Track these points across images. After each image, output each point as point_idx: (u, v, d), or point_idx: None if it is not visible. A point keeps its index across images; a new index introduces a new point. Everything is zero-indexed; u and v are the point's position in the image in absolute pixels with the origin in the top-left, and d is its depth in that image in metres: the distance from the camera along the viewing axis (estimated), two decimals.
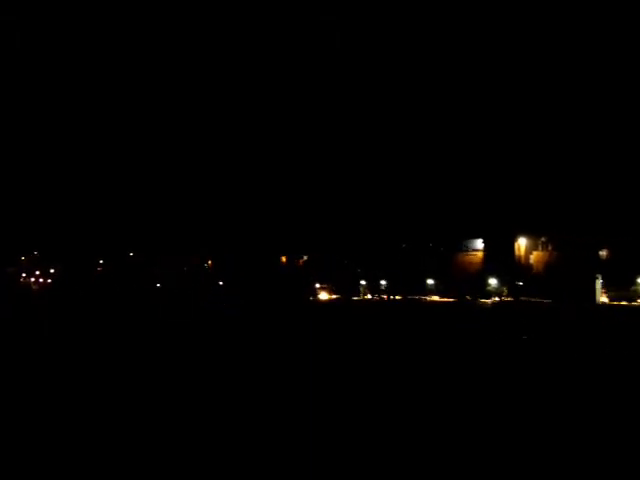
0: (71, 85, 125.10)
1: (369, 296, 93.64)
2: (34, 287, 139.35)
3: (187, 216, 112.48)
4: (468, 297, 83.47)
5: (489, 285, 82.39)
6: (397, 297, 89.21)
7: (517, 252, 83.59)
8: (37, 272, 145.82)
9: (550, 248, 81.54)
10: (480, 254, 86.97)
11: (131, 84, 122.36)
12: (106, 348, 36.62)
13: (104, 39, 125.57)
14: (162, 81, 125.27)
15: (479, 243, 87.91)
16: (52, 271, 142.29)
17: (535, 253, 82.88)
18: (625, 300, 73.11)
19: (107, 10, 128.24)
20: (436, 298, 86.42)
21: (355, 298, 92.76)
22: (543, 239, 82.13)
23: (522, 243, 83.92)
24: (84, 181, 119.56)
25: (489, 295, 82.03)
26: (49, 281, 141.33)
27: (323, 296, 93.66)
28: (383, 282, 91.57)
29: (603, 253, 76.32)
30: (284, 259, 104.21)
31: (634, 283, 72.98)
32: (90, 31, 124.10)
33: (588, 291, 73.81)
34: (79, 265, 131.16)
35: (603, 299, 74.76)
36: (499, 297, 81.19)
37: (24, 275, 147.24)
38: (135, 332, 47.09)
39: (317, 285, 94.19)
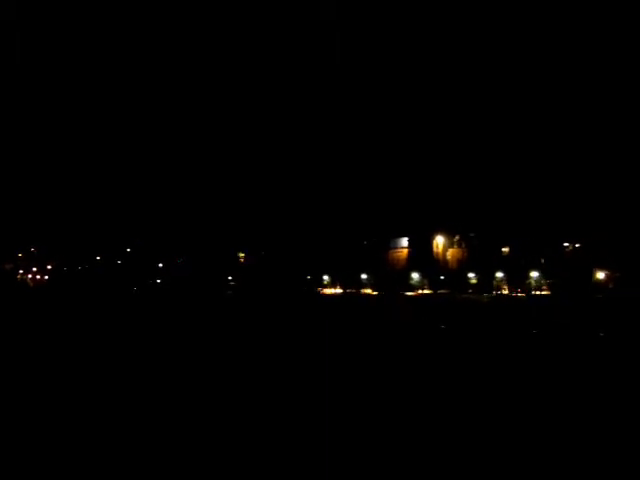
0: (64, 81, 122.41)
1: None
2: (31, 284, 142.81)
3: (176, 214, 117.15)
4: (396, 290, 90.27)
5: (412, 279, 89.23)
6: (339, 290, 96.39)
7: (435, 249, 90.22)
8: (34, 269, 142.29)
9: (463, 246, 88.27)
10: (405, 251, 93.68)
11: (130, 83, 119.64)
12: (108, 344, 35.71)
13: (104, 39, 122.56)
14: (159, 78, 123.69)
15: (405, 241, 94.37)
16: (49, 267, 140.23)
17: (450, 250, 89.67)
18: (522, 292, 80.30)
19: (107, 10, 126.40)
20: (369, 291, 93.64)
21: None
22: (457, 238, 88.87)
23: (440, 241, 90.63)
24: (80, 177, 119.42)
25: (413, 288, 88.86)
26: (46, 277, 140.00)
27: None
28: (325, 277, 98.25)
29: (505, 250, 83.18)
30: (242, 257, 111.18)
31: (528, 277, 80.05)
32: (90, 31, 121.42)
33: (490, 284, 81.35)
34: (76, 261, 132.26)
35: (504, 291, 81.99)
36: (421, 290, 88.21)
37: (21, 272, 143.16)
38: (135, 329, 46.21)
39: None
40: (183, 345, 35.44)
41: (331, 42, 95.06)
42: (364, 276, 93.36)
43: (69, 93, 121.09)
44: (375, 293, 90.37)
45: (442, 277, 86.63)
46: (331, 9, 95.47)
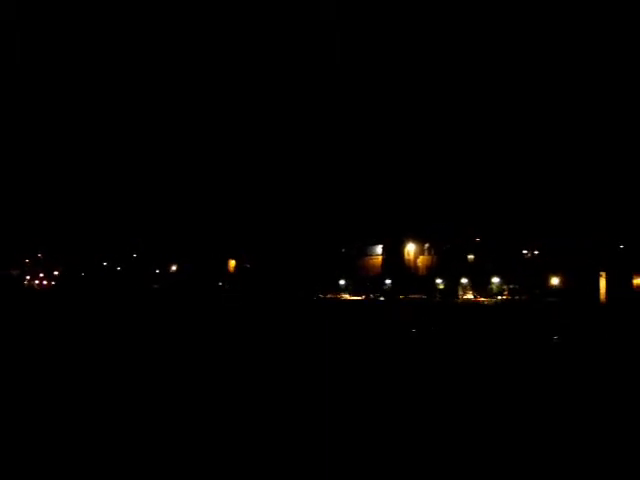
0: (76, 88, 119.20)
1: None
2: (37, 289, 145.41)
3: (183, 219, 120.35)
4: (371, 295, 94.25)
5: (386, 285, 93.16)
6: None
7: (407, 257, 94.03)
8: (41, 274, 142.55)
9: (432, 253, 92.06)
10: (380, 258, 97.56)
11: (138, 86, 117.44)
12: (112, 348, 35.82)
13: (104, 39, 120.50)
14: (159, 79, 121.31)
15: (379, 249, 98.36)
16: (56, 273, 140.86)
17: (421, 257, 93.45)
18: (485, 297, 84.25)
19: (107, 10, 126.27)
20: (347, 296, 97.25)
21: None
22: (427, 245, 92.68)
23: (410, 249, 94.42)
24: (87, 183, 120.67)
25: (387, 293, 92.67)
26: (52, 283, 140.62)
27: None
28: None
29: (470, 257, 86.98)
30: (232, 264, 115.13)
31: (490, 283, 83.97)
32: (90, 31, 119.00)
33: (456, 289, 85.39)
34: (82, 266, 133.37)
35: (469, 296, 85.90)
36: (395, 295, 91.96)
37: (28, 277, 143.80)
38: (138, 334, 46.34)
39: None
40: (185, 348, 36.49)
41: (331, 42, 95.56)
42: (342, 282, 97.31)
43: (73, 97, 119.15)
44: (352, 297, 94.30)
45: (413, 283, 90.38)
46: (331, 9, 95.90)
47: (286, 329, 51.90)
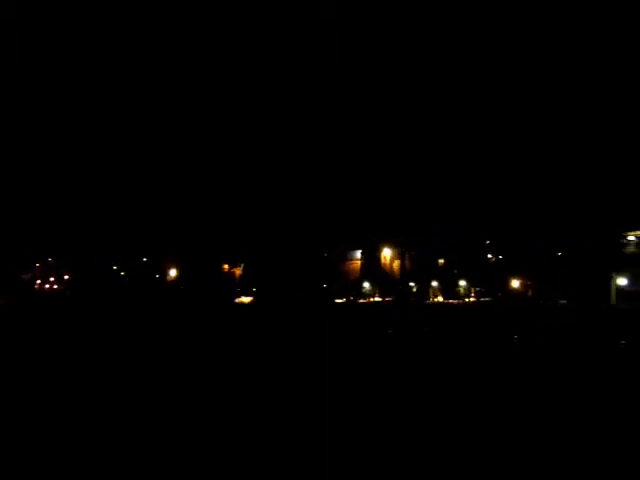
0: (78, 89, 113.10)
1: None
2: (47, 293, 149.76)
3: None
4: (351, 297, 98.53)
5: (364, 288, 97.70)
6: None
7: (383, 261, 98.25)
8: (51, 278, 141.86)
9: (407, 258, 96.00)
10: (359, 262, 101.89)
11: (138, 87, 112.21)
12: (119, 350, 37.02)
13: (104, 39, 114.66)
14: (159, 79, 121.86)
15: (359, 253, 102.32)
16: (66, 277, 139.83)
17: (396, 262, 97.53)
18: (455, 299, 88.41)
19: (107, 10, 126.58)
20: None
21: None
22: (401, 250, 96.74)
23: (387, 253, 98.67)
24: (98, 187, 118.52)
25: (365, 296, 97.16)
26: (62, 288, 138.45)
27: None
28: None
29: (440, 261, 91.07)
30: (226, 268, 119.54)
31: (458, 285, 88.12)
32: (90, 31, 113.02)
33: (427, 291, 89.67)
34: (93, 271, 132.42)
35: (439, 298, 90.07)
36: (372, 297, 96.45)
37: (39, 281, 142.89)
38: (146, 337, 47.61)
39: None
40: (184, 349, 38.87)
41: (331, 42, 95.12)
42: (324, 286, 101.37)
43: (73, 96, 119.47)
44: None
45: (388, 286, 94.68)
46: (331, 9, 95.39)
47: (287, 328, 55.22)
